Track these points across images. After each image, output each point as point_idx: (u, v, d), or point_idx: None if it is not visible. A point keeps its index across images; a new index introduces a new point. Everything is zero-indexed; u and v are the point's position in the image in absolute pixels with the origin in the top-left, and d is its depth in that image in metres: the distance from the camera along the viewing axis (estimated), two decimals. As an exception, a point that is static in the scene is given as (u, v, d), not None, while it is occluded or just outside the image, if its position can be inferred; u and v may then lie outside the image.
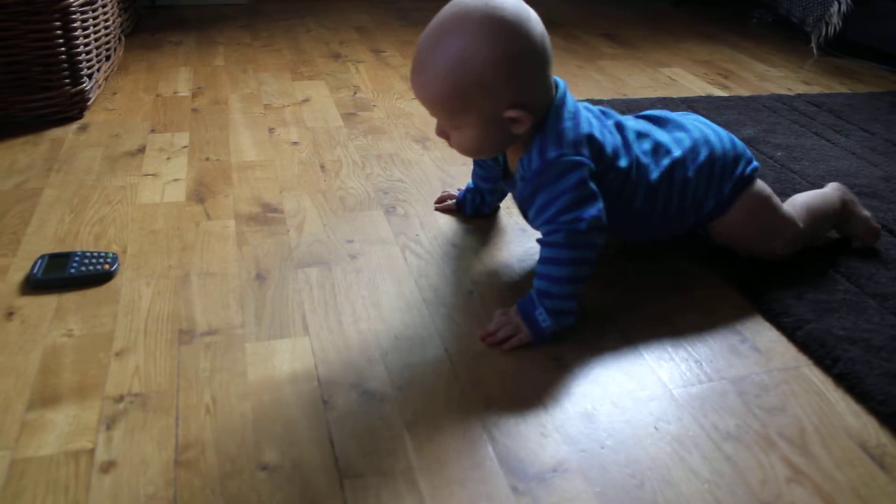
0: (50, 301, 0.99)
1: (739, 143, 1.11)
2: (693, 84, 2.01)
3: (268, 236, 1.17)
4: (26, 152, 1.41)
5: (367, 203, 1.28)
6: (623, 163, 1.00)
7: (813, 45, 2.34)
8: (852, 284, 1.09)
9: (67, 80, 1.54)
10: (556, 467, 0.78)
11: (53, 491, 0.72)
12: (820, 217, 1.15)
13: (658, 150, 1.05)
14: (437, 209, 1.28)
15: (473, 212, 1.26)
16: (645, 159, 1.03)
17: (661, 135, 1.07)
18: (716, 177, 1.07)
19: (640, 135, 1.05)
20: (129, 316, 0.97)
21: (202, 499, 0.72)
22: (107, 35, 1.76)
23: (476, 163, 1.20)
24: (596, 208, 0.94)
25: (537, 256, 0.97)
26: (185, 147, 1.47)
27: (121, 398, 0.84)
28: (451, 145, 0.99)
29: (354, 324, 0.98)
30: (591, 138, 0.97)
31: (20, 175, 1.33)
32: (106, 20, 1.74)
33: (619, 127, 1.04)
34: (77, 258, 1.05)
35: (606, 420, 0.84)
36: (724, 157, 1.07)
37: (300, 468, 0.76)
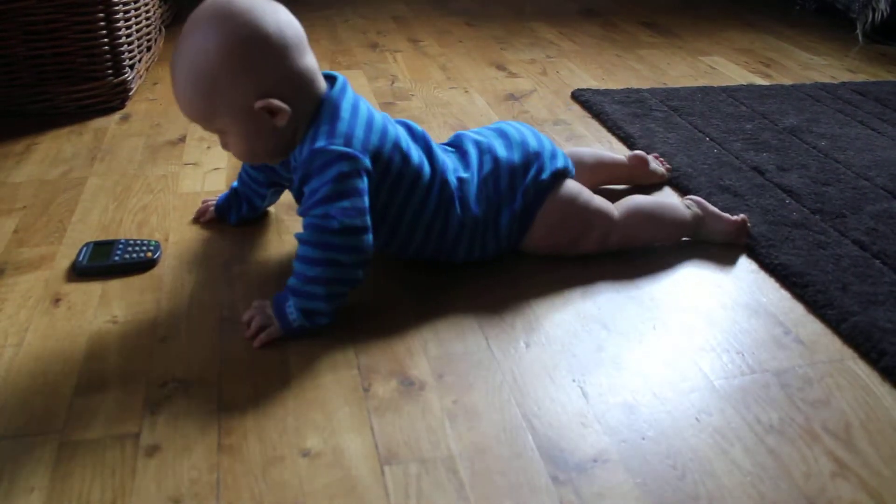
0: (95, 288, 1.01)
1: (534, 147, 1.06)
2: (734, 73, 1.98)
3: (307, 225, 1.17)
4: (71, 142, 1.44)
5: (406, 192, 1.28)
6: (415, 158, 0.97)
7: (858, 32, 2.29)
8: (899, 276, 1.07)
9: (110, 71, 1.56)
10: (596, 457, 0.77)
11: (101, 473, 0.74)
12: (654, 218, 1.12)
13: (457, 164, 1.04)
14: (198, 222, 1.17)
15: (238, 220, 1.16)
16: (447, 169, 1.01)
17: (457, 154, 1.06)
18: (503, 188, 1.03)
19: (444, 149, 1.06)
20: (172, 303, 0.99)
21: (245, 484, 0.73)
22: (148, 26, 1.78)
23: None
24: (354, 207, 0.89)
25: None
26: (225, 137, 1.48)
27: (165, 384, 0.85)
28: (234, 154, 0.98)
29: (394, 312, 0.98)
30: (370, 130, 0.93)
31: (65, 164, 1.35)
32: (147, 11, 1.77)
33: (412, 133, 1.01)
34: (121, 246, 1.07)
35: (647, 411, 0.84)
36: (510, 165, 1.04)
37: (341, 455, 0.77)
